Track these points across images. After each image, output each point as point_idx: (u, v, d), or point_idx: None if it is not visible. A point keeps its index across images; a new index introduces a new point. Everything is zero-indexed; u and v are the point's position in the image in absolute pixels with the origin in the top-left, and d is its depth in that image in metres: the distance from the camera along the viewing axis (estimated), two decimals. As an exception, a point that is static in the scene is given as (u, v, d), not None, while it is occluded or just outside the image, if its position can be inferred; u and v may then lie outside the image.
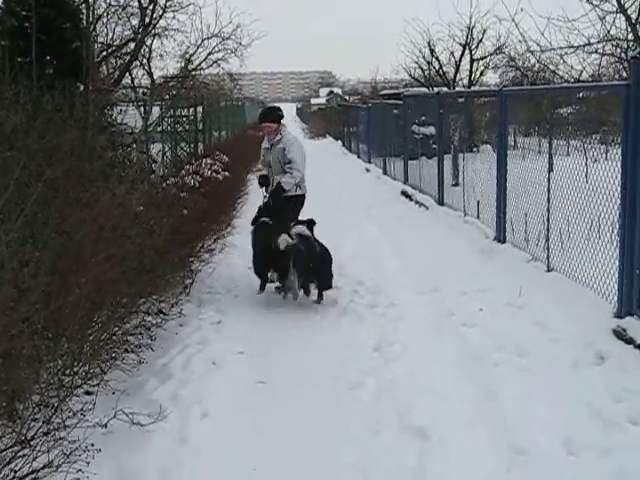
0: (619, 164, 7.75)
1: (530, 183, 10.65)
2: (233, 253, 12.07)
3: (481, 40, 28.64)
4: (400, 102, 22.17)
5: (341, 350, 7.79)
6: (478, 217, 13.15)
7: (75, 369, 5.69)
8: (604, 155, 11.64)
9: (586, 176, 9.26)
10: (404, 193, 18.74)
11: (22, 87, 8.13)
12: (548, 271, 9.69)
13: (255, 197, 12.15)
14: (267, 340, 8.23)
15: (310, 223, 9.83)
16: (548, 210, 9.76)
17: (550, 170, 9.86)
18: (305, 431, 5.98)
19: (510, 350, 7.32)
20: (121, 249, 6.57)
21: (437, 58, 29.82)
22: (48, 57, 11.24)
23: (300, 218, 9.99)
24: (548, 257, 9.76)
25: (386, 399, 6.47)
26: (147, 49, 22.78)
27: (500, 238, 11.67)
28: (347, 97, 77.86)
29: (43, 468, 4.57)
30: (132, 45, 20.77)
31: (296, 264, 9.45)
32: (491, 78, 35.83)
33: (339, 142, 40.98)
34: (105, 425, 5.40)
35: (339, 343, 8.04)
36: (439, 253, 11.85)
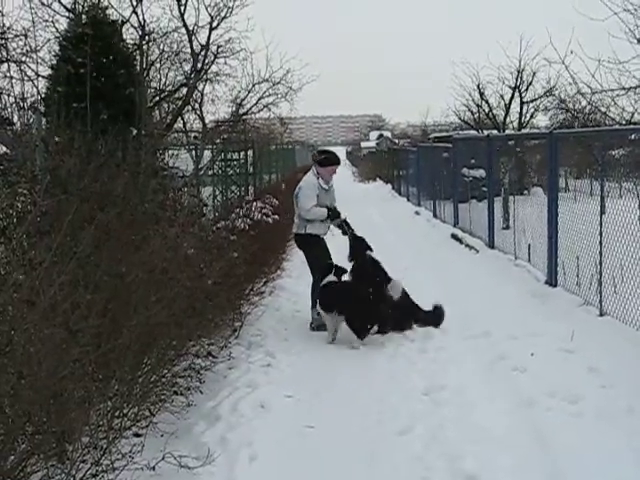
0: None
1: (582, 226, 10.54)
2: (282, 296, 12.10)
3: (531, 83, 28.63)
4: (450, 145, 22.17)
5: (391, 394, 7.73)
6: (529, 260, 13.03)
7: (124, 411, 5.72)
8: (657, 197, 11.51)
9: (639, 219, 9.15)
10: (454, 236, 18.64)
11: (76, 132, 8.29)
12: (601, 315, 9.54)
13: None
14: (316, 384, 8.19)
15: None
16: (600, 253, 9.63)
17: (602, 213, 9.75)
18: (353, 477, 5.92)
19: (562, 396, 7.20)
20: (171, 292, 6.62)
21: (487, 101, 29.86)
22: (102, 102, 11.46)
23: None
24: (601, 301, 9.62)
25: (436, 445, 6.39)
26: (199, 94, 23.13)
27: (552, 282, 11.55)
28: (397, 140, 78.00)
29: (91, 510, 4.58)
30: (184, 90, 21.14)
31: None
32: (541, 120, 35.59)
33: (389, 185, 41.03)
34: (153, 468, 5.41)
35: (389, 387, 7.98)
36: (489, 297, 11.75)
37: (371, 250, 10.71)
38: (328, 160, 10.91)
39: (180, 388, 7.14)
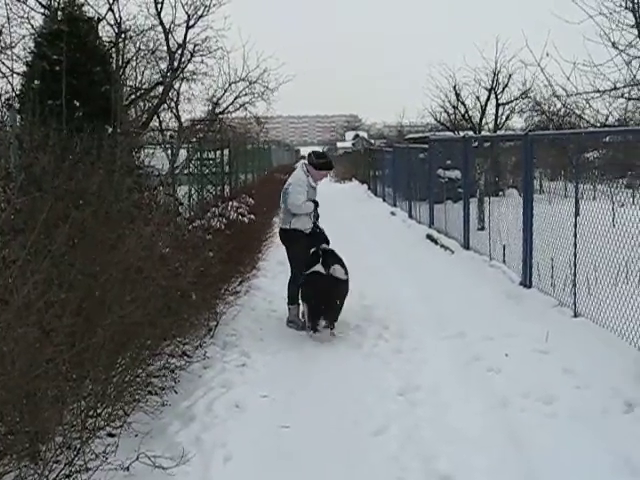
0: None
1: (556, 227, 10.59)
2: (257, 295, 12.07)
3: (507, 85, 28.65)
4: (426, 146, 22.23)
5: (366, 394, 7.72)
6: (504, 261, 13.08)
7: (98, 411, 5.68)
8: (631, 199, 11.58)
9: (613, 220, 9.20)
10: (429, 237, 18.69)
11: (51, 129, 8.22)
12: (575, 316, 9.59)
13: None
14: (291, 384, 8.18)
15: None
16: (575, 255, 9.68)
17: (577, 214, 9.81)
18: (329, 477, 5.91)
19: (537, 396, 7.23)
20: (146, 291, 6.58)
21: (463, 102, 29.85)
22: (78, 100, 11.38)
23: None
24: (575, 302, 9.67)
25: (411, 445, 6.40)
26: (175, 92, 23.04)
27: (526, 283, 11.60)
28: (373, 141, 78.15)
29: (64, 511, 4.54)
30: (160, 88, 21.03)
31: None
32: (517, 122, 35.77)
33: (365, 186, 41.08)
34: (127, 468, 5.37)
35: (364, 387, 7.97)
36: (464, 297, 11.78)
37: (327, 243, 10.79)
38: (325, 165, 11.04)
39: (155, 388, 7.09)
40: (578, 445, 6.11)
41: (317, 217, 10.90)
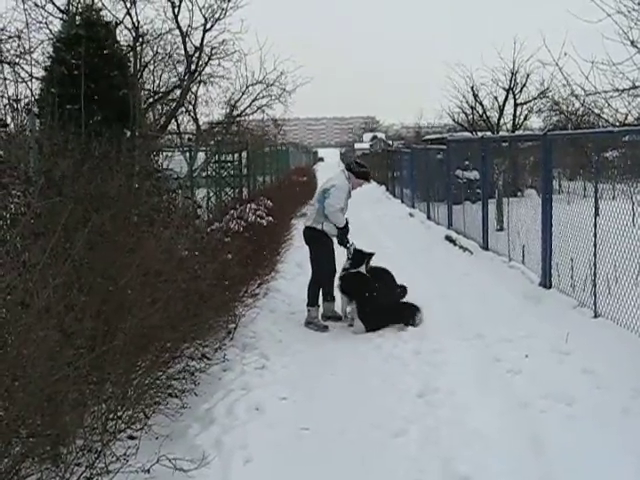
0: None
1: (576, 227, 10.54)
2: (276, 298, 12.08)
3: (525, 84, 28.66)
4: (444, 147, 22.18)
5: (385, 396, 7.72)
6: (523, 262, 13.03)
7: (119, 413, 5.71)
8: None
9: (633, 220, 9.15)
10: (448, 238, 18.65)
11: (71, 134, 8.27)
12: (595, 317, 9.55)
13: (299, 241, 12.18)
14: (311, 386, 8.19)
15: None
16: (595, 255, 9.64)
17: (596, 214, 9.76)
18: (348, 479, 5.92)
19: (557, 397, 7.20)
20: (165, 294, 6.61)
21: (480, 103, 29.86)
22: (96, 104, 11.45)
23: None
24: (595, 303, 9.62)
25: (430, 447, 6.39)
26: (193, 96, 23.10)
27: (546, 283, 11.55)
28: (390, 142, 78.13)
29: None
30: (178, 92, 21.12)
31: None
32: (535, 122, 35.64)
33: (383, 187, 41.04)
34: (148, 470, 5.39)
35: (383, 389, 7.97)
36: (483, 298, 11.76)
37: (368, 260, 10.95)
38: (365, 175, 11.40)
39: (174, 390, 7.12)
40: (599, 446, 6.08)
41: (346, 232, 11.02)
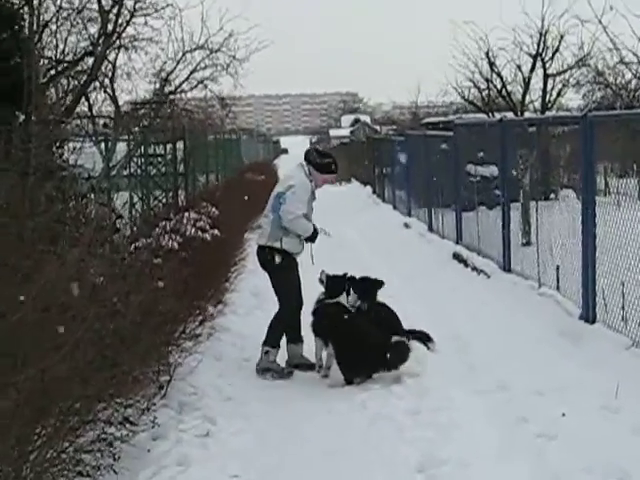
0: None
1: (629, 241, 10.62)
2: (224, 340, 12.06)
3: (557, 49, 28.96)
4: (450, 133, 22.27)
5: (374, 473, 7.72)
6: (558, 288, 13.09)
7: (10, 500, 5.66)
8: None
9: None
10: (457, 256, 18.72)
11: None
12: (655, 361, 9.62)
13: (256, 262, 12.17)
14: (271, 461, 8.18)
15: None
16: (655, 278, 9.72)
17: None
18: None
19: (604, 471, 7.23)
20: (73, 336, 6.58)
21: (499, 74, 30.12)
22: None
23: None
24: (655, 342, 9.70)
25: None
26: (110, 66, 23.09)
27: (588, 316, 11.60)
28: (378, 127, 78.42)
29: None
30: (90, 61, 21.05)
31: None
32: (572, 99, 35.88)
33: (368, 188, 41.15)
34: None
35: (370, 463, 7.97)
36: (505, 337, 11.80)
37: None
38: (329, 167, 11.29)
39: (86, 467, 7.08)
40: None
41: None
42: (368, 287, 11.47)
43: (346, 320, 10.67)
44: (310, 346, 11.09)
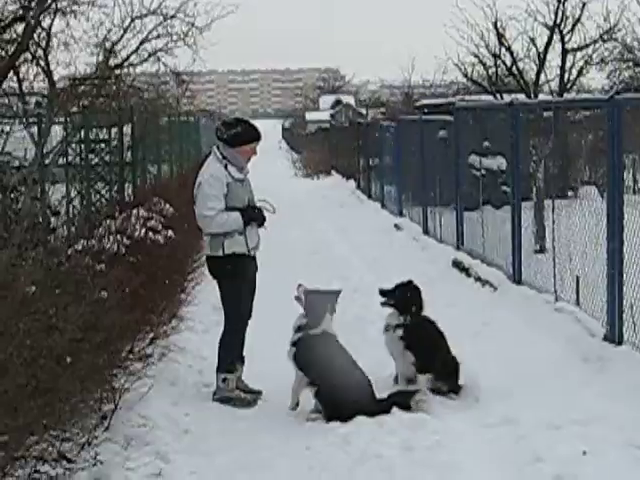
0: None
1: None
2: (180, 362, 12.05)
3: (579, 19, 28.98)
4: (450, 118, 22.31)
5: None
6: (578, 303, 13.13)
7: None
8: None
9: None
10: (457, 264, 18.76)
11: None
12: (693, 390, 9.67)
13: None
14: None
15: None
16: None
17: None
18: None
19: (634, 520, 7.28)
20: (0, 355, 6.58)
21: (509, 48, 30.12)
22: None
23: None
24: (693, 367, 9.74)
25: None
26: (44, 34, 23.03)
27: (614, 337, 11.63)
28: (364, 110, 78.51)
29: None
30: (20, 28, 20.99)
31: None
32: (595, 79, 36.00)
33: (351, 182, 41.18)
34: None
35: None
36: (515, 361, 11.82)
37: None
38: (240, 136, 11.08)
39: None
40: None
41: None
42: (408, 296, 11.43)
43: (335, 357, 10.62)
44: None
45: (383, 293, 11.48)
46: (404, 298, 11.39)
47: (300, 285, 10.85)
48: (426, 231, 23.92)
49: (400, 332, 11.20)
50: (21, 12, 21.24)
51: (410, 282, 11.61)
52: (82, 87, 24.07)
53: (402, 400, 10.26)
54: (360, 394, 10.35)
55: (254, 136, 11.15)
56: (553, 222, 14.80)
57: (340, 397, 10.28)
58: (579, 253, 13.23)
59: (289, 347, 10.79)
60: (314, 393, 10.49)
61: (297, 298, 10.88)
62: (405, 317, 11.23)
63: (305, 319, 10.78)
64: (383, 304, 11.41)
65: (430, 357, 11.00)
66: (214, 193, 10.71)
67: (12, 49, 20.84)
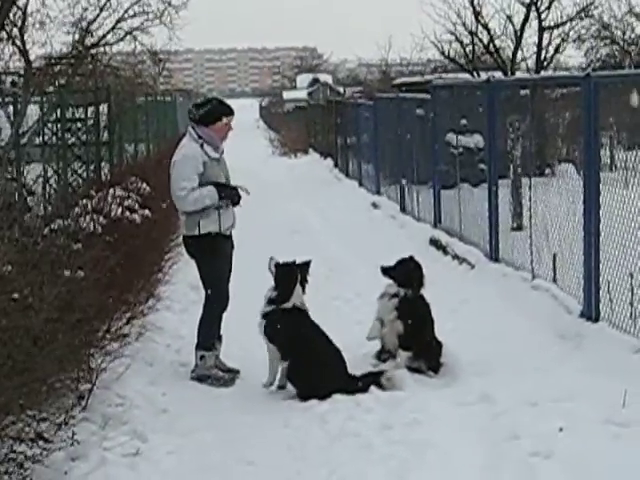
0: None
1: (638, 225, 10.67)
2: (157, 341, 12.04)
3: (556, -4, 28.98)
4: (427, 96, 22.31)
5: (336, 498, 7.75)
6: (555, 280, 13.15)
7: None
8: None
9: None
10: (434, 242, 18.77)
11: None
12: (669, 366, 9.70)
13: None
14: (214, 483, 8.19)
15: None
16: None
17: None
18: None
19: (609, 496, 7.30)
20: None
21: (485, 26, 30.15)
22: None
23: None
24: (668, 344, 9.76)
25: None
26: (19, 13, 22.90)
27: (591, 314, 11.65)
28: (341, 89, 78.43)
29: None
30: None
31: None
32: (572, 57, 35.99)
33: (329, 161, 41.14)
34: None
35: (333, 487, 8.00)
36: (491, 337, 11.84)
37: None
38: (212, 114, 11.14)
39: (-9, 493, 7.06)
40: None
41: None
42: (408, 271, 11.46)
43: (304, 326, 10.66)
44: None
45: (385, 270, 11.60)
46: (405, 273, 11.50)
47: (272, 258, 10.89)
48: (403, 209, 23.91)
49: (395, 301, 11.31)
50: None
51: (411, 258, 11.75)
52: (58, 66, 23.98)
53: (379, 380, 10.30)
54: (334, 372, 10.39)
55: (225, 111, 11.22)
56: (530, 200, 14.81)
57: (312, 374, 10.32)
58: (556, 231, 13.23)
59: (259, 319, 10.84)
60: (285, 371, 10.54)
61: (270, 270, 10.93)
62: (404, 290, 11.27)
63: (275, 292, 10.82)
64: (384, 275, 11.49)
65: (416, 334, 11.03)
66: (187, 172, 10.74)
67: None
